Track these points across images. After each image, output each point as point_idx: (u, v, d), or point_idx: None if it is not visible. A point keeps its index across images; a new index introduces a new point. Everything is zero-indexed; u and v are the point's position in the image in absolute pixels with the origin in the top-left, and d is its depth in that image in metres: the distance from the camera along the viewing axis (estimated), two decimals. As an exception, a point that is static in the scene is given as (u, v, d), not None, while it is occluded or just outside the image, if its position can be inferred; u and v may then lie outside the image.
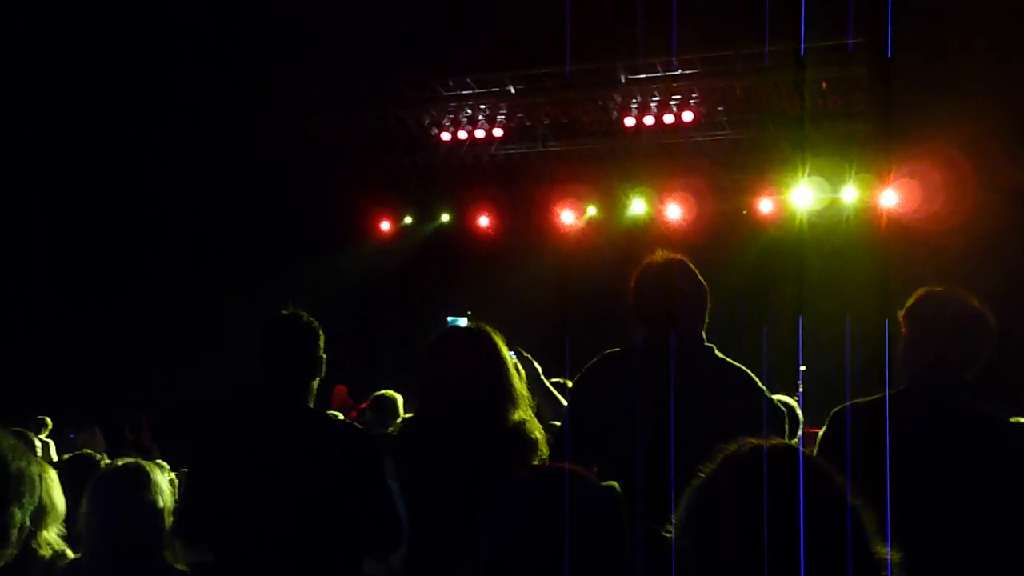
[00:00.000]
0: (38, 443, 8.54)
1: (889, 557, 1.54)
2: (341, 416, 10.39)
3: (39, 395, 10.29)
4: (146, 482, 3.10)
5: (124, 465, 3.15)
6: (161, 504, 3.10)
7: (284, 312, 3.40)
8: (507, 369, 3.36)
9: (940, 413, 2.94)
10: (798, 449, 1.60)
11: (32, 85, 11.19)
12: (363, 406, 11.51)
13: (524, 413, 3.34)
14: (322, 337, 3.38)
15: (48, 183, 12.39)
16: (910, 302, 3.14)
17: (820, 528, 1.48)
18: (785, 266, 11.09)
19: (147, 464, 3.17)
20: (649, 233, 11.88)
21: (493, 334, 3.40)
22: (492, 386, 3.28)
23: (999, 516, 2.82)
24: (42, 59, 11.03)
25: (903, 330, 3.12)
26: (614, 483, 2.00)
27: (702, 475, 1.63)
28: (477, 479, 2.91)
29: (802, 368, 7.94)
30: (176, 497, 3.45)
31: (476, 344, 3.35)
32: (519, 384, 3.38)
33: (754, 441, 1.61)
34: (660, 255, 3.42)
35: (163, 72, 11.29)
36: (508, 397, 3.30)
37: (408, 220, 14.22)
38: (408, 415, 7.13)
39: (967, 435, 2.92)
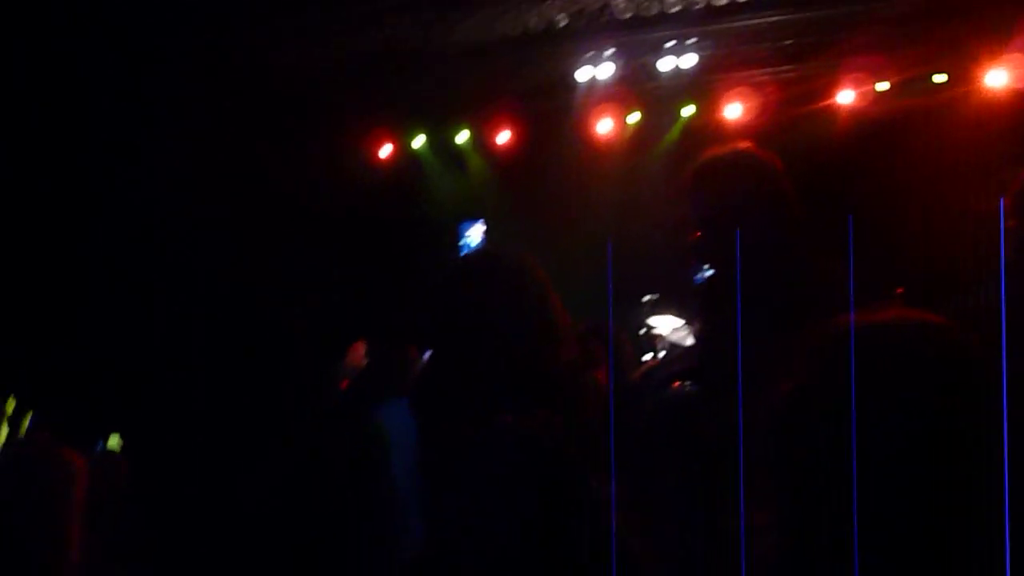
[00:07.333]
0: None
1: None
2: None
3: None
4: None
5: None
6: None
7: None
8: (547, 299, 2.78)
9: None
10: None
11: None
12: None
13: (573, 348, 2.81)
14: None
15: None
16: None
17: None
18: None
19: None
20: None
21: (521, 258, 2.82)
22: (532, 321, 2.73)
23: None
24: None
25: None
26: None
27: None
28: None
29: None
30: None
31: (500, 271, 2.80)
32: (559, 315, 2.77)
33: None
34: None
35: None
36: (551, 332, 2.75)
37: (421, 140, 13.04)
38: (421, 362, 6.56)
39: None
